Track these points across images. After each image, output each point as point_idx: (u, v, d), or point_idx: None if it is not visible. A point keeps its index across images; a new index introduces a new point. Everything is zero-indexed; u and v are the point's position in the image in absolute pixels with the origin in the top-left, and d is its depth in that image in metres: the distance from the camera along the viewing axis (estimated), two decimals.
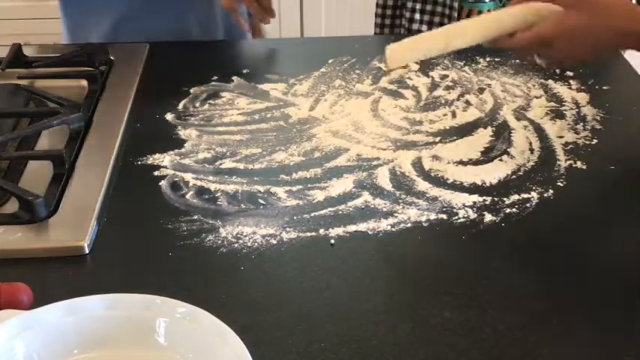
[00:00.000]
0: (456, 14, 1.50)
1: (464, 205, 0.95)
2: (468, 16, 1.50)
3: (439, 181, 1.00)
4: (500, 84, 1.24)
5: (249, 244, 0.89)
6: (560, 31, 0.96)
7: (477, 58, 1.30)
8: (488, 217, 0.93)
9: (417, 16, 1.53)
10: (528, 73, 1.26)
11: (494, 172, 1.02)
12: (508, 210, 0.94)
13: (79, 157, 1.03)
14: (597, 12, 0.97)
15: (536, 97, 1.20)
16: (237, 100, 1.21)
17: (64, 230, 0.90)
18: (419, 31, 1.54)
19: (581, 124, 1.13)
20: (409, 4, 1.53)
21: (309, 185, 1.00)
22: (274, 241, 0.89)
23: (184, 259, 0.87)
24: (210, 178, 1.01)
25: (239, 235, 0.90)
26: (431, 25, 1.53)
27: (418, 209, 0.95)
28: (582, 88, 1.21)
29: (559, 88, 1.22)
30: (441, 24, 1.52)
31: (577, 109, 1.17)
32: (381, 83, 1.26)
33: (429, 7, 1.52)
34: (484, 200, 0.96)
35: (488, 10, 1.50)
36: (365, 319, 0.79)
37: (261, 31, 1.45)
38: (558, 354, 0.75)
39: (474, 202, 0.96)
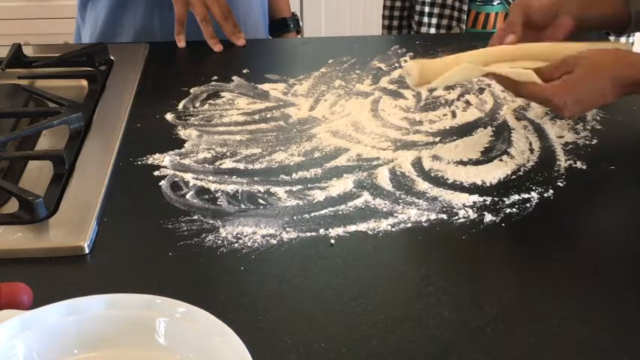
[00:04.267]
0: (465, 17, 1.50)
1: (464, 205, 0.95)
2: (476, 18, 1.50)
3: (439, 181, 1.00)
4: None
5: (249, 244, 0.89)
6: (565, 92, 0.99)
7: None
8: (488, 217, 0.93)
9: (426, 19, 1.54)
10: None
11: (494, 172, 1.02)
12: (508, 210, 0.94)
13: (79, 157, 1.03)
14: (599, 66, 1.00)
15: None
16: (237, 100, 1.22)
17: (64, 230, 0.90)
18: (427, 34, 1.54)
19: (581, 124, 1.13)
20: (417, 7, 1.53)
21: (309, 185, 1.00)
22: (274, 241, 0.89)
23: (184, 259, 0.87)
24: (210, 178, 1.01)
25: (239, 235, 0.90)
26: (439, 28, 1.53)
27: (418, 209, 0.95)
28: None
29: None
30: (449, 27, 1.53)
31: None
32: (381, 83, 1.26)
33: (437, 10, 1.52)
34: (484, 200, 0.96)
35: (496, 13, 1.51)
36: (365, 319, 0.79)
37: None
38: (558, 354, 0.75)
39: (474, 202, 0.96)
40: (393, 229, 0.91)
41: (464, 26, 1.52)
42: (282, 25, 1.61)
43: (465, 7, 1.50)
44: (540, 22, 1.12)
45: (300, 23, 1.67)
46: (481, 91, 1.23)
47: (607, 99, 1.01)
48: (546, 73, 1.01)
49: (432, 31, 1.54)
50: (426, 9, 1.51)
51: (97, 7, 1.45)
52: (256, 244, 0.89)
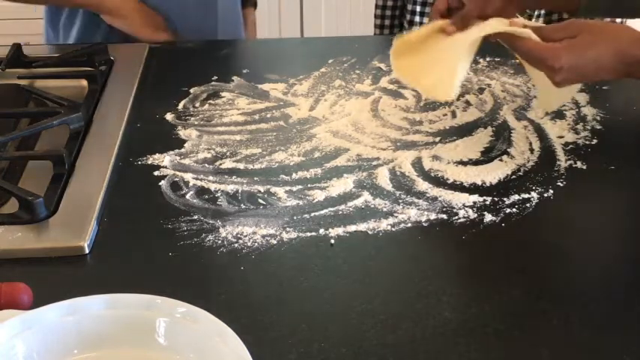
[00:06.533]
0: None
1: (464, 205, 0.95)
2: None
3: (439, 181, 1.00)
4: (500, 84, 1.24)
5: (249, 244, 0.89)
6: (564, 55, 0.95)
7: (477, 58, 1.30)
8: (488, 217, 0.93)
9: (417, 18, 1.54)
10: (528, 73, 1.26)
11: (494, 172, 1.02)
12: (508, 210, 0.94)
13: (79, 157, 1.03)
14: (604, 36, 0.96)
15: (536, 97, 1.20)
16: (237, 100, 1.22)
17: (64, 230, 0.90)
18: None
19: (581, 124, 1.13)
20: (409, 7, 1.53)
21: (309, 185, 1.00)
22: (274, 241, 0.89)
23: (184, 259, 0.87)
24: (210, 178, 1.01)
25: (239, 235, 0.90)
26: None
27: (418, 209, 0.95)
28: (582, 88, 1.21)
29: None
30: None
31: (577, 109, 1.17)
32: (381, 83, 1.26)
33: (428, 10, 1.52)
34: (484, 200, 0.96)
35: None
36: (365, 319, 0.79)
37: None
38: (558, 354, 0.75)
39: (474, 202, 0.96)
40: (393, 229, 0.91)
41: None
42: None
43: None
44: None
45: None
46: (481, 91, 1.23)
47: (604, 73, 0.96)
48: (547, 34, 0.98)
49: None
50: (418, 8, 1.51)
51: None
52: (256, 244, 0.89)
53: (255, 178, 1.01)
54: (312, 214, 0.94)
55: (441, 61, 1.07)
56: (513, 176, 1.01)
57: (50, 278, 0.85)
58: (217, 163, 1.05)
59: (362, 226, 0.92)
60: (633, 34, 0.99)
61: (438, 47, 1.08)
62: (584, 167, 1.03)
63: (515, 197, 0.97)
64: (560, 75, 0.96)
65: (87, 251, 0.88)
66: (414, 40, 1.11)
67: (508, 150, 1.07)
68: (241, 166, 1.04)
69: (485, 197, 0.96)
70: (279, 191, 0.98)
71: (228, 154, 1.07)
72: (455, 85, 1.03)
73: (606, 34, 0.97)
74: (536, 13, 1.45)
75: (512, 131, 1.12)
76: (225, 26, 1.51)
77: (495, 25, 1.02)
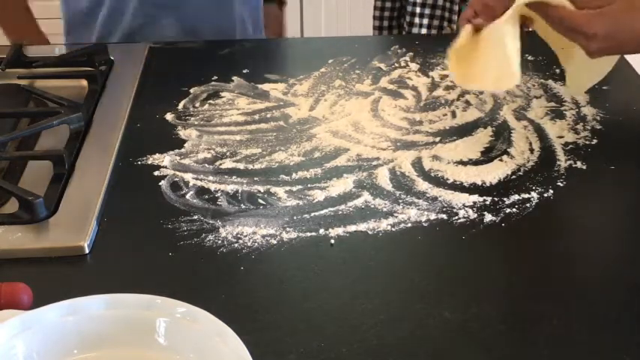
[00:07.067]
0: (456, 17, 1.50)
1: (464, 205, 0.95)
2: None
3: (439, 181, 1.00)
4: None
5: (249, 244, 0.89)
6: (599, 22, 0.91)
7: None
8: (488, 217, 0.93)
9: (417, 19, 1.53)
10: (528, 73, 1.26)
11: (494, 172, 1.02)
12: (508, 210, 0.94)
13: (79, 157, 1.03)
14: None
15: (536, 97, 1.20)
16: (237, 100, 1.21)
17: (64, 230, 0.90)
18: (428, 34, 1.54)
19: (581, 124, 1.13)
20: (409, 8, 1.53)
21: (309, 185, 1.00)
22: (274, 241, 0.89)
23: (184, 259, 0.87)
24: (210, 178, 1.01)
25: (239, 235, 0.90)
26: (430, 29, 1.53)
27: (418, 209, 0.95)
28: None
29: (559, 88, 1.22)
30: (440, 27, 1.52)
31: (577, 109, 1.16)
32: (381, 83, 1.26)
33: (428, 11, 1.51)
34: (484, 200, 0.96)
35: None
36: (365, 319, 0.79)
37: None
38: (558, 354, 0.75)
39: (474, 202, 0.96)
40: (393, 229, 0.91)
41: (455, 26, 1.52)
42: None
43: (456, 7, 1.49)
44: None
45: None
46: (481, 91, 1.22)
47: (636, 45, 0.92)
48: (583, 3, 0.94)
49: (423, 31, 1.53)
50: (417, 9, 1.51)
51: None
52: (256, 244, 0.89)
53: (255, 178, 1.01)
54: (312, 214, 0.94)
55: (491, 51, 1.05)
56: (513, 176, 1.01)
57: (50, 278, 0.85)
58: (217, 163, 1.05)
59: (362, 226, 0.92)
60: None
61: (482, 42, 1.06)
62: (584, 167, 1.03)
63: (515, 197, 0.97)
64: (595, 43, 0.92)
65: (87, 251, 0.88)
66: (462, 47, 1.08)
67: (508, 150, 1.07)
68: (241, 166, 1.04)
69: (485, 197, 0.96)
70: (279, 191, 0.98)
71: (228, 154, 1.07)
72: (514, 67, 0.99)
73: None
74: None
75: (512, 131, 1.12)
76: (244, 24, 1.51)
77: None
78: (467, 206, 0.95)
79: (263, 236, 0.90)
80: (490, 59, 1.05)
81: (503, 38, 1.01)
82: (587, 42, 0.93)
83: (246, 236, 0.90)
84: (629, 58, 1.30)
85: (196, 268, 0.86)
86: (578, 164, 1.03)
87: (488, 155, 1.06)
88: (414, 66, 1.29)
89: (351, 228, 0.91)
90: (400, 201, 0.96)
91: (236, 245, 0.89)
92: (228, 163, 1.05)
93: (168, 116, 1.16)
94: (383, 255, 0.88)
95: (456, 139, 1.10)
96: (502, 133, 1.11)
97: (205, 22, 1.47)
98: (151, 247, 0.90)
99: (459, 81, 1.15)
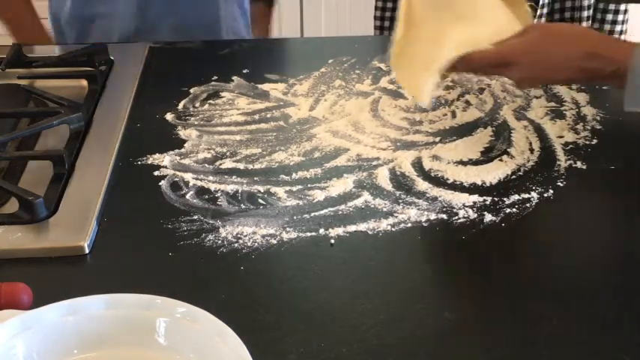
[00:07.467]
0: None
1: (464, 205, 0.95)
2: None
3: (439, 181, 1.00)
4: (500, 84, 1.24)
5: (249, 244, 0.89)
6: (522, 50, 0.94)
7: None
8: (488, 217, 0.93)
9: None
10: (395, 75, 1.26)
11: (494, 172, 1.02)
12: (508, 210, 0.94)
13: (79, 157, 1.03)
14: (562, 35, 0.95)
15: (536, 97, 1.20)
16: (237, 100, 1.22)
17: (64, 230, 0.90)
18: None
19: (581, 124, 1.13)
20: None
21: (309, 185, 1.00)
22: (274, 241, 0.89)
23: (184, 259, 0.87)
24: (210, 178, 1.01)
25: (239, 235, 0.90)
26: None
27: (418, 209, 0.95)
28: (582, 88, 1.21)
29: (559, 88, 1.22)
30: None
31: (577, 109, 1.16)
32: (381, 83, 1.26)
33: None
34: (484, 200, 0.96)
35: None
36: (365, 319, 0.79)
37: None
38: (558, 354, 0.75)
39: (474, 202, 0.96)
40: (393, 229, 0.91)
41: None
42: None
43: None
44: None
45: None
46: (481, 91, 1.23)
47: (568, 73, 0.93)
48: (505, 41, 0.97)
49: None
50: None
51: None
52: (256, 244, 0.89)
53: (255, 178, 1.01)
54: (312, 214, 0.94)
55: (421, 61, 1.07)
56: (513, 176, 1.01)
57: (50, 278, 0.85)
58: (217, 163, 1.05)
59: (362, 226, 0.92)
60: (590, 34, 0.99)
61: (420, 39, 1.08)
62: (584, 167, 1.03)
63: (515, 197, 0.97)
64: (520, 72, 0.94)
65: (87, 251, 0.88)
66: (402, 39, 1.10)
67: (508, 150, 1.07)
68: (241, 166, 1.04)
69: (485, 197, 0.96)
70: (279, 191, 0.98)
71: (228, 154, 1.07)
72: (426, 92, 1.01)
73: (562, 32, 0.96)
74: (541, 2, 1.44)
75: (512, 131, 1.12)
76: (228, 22, 1.51)
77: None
78: (467, 206, 0.95)
79: (263, 236, 0.90)
80: (418, 65, 1.06)
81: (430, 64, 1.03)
82: (513, 72, 0.95)
83: (246, 236, 0.90)
84: None
85: (196, 268, 0.86)
86: (578, 164, 1.03)
87: (488, 155, 1.06)
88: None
89: (351, 228, 0.91)
90: (400, 201, 0.96)
91: (236, 245, 0.89)
92: (228, 163, 1.05)
93: (168, 116, 1.16)
94: (383, 255, 0.88)
95: (455, 139, 1.10)
96: (502, 133, 1.11)
97: (191, 20, 1.47)
98: (151, 247, 0.90)
99: (396, 76, 1.15)
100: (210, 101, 1.21)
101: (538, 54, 0.93)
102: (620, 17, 1.51)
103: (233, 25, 1.53)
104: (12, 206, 0.93)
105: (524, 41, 0.94)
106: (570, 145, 1.08)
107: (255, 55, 1.39)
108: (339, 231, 0.91)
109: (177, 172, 1.02)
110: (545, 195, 0.97)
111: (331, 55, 1.34)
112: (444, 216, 0.93)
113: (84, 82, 1.24)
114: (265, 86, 1.25)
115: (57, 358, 0.69)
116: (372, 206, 0.95)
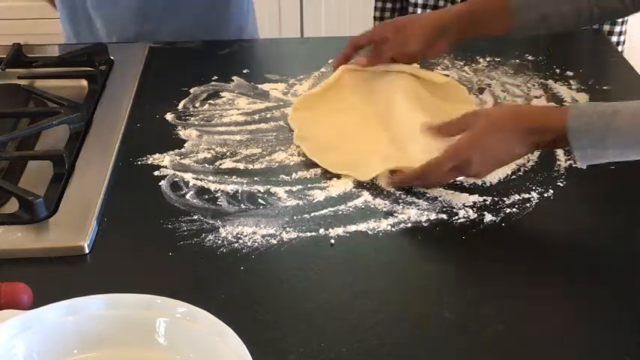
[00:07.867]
0: None
1: (464, 205, 0.95)
2: None
3: None
4: (500, 84, 1.24)
5: (249, 244, 0.89)
6: (469, 146, 0.93)
7: (477, 57, 1.30)
8: (488, 217, 0.93)
9: None
10: (528, 73, 1.26)
11: (494, 172, 1.01)
12: (508, 210, 0.94)
13: (79, 157, 1.03)
14: (501, 119, 0.95)
15: (536, 97, 1.20)
16: (237, 100, 1.21)
17: (64, 230, 0.90)
18: None
19: None
20: (410, 9, 1.53)
21: (309, 185, 1.00)
22: (274, 241, 0.89)
23: (184, 259, 0.87)
24: (210, 178, 1.01)
25: (239, 235, 0.90)
26: None
27: (418, 209, 0.95)
28: (582, 88, 1.21)
29: (559, 88, 1.22)
30: None
31: None
32: None
33: (428, 12, 1.51)
34: (484, 200, 0.96)
35: None
36: (365, 319, 0.79)
37: None
38: (558, 354, 0.75)
39: (474, 202, 0.96)
40: (393, 229, 0.91)
41: None
42: None
43: None
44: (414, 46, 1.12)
45: None
46: (481, 91, 1.22)
47: (516, 151, 0.94)
48: (445, 132, 0.97)
49: None
50: (418, 10, 1.51)
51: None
52: (256, 244, 0.89)
53: (255, 178, 1.01)
54: (312, 214, 0.94)
55: (355, 141, 1.08)
56: (513, 176, 1.01)
57: (50, 278, 0.85)
58: (217, 163, 1.05)
59: (362, 226, 0.92)
60: (522, 109, 1.02)
61: (345, 119, 1.11)
62: (584, 167, 1.03)
63: (515, 197, 0.97)
64: (474, 167, 0.94)
65: (87, 251, 0.88)
66: (317, 97, 1.14)
67: None
68: (241, 166, 1.04)
69: (485, 197, 0.96)
70: (279, 191, 0.98)
71: (228, 154, 1.07)
72: (377, 171, 0.99)
73: (502, 117, 0.96)
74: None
75: None
76: (236, 21, 1.51)
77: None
78: (467, 206, 0.95)
79: (263, 236, 0.90)
80: (351, 145, 1.07)
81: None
82: (467, 169, 0.94)
83: (246, 236, 0.90)
84: (629, 57, 1.30)
85: (196, 268, 0.86)
86: (579, 164, 1.03)
87: None
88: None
89: (351, 228, 0.91)
90: (400, 201, 0.96)
91: (236, 245, 0.89)
92: (228, 163, 1.05)
93: (168, 116, 1.16)
94: (383, 255, 0.88)
95: None
96: None
97: (200, 24, 1.47)
98: (151, 247, 0.90)
99: (292, 122, 1.13)
100: (210, 101, 1.21)
101: (486, 147, 0.94)
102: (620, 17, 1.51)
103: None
104: (12, 206, 0.93)
105: (471, 137, 0.94)
106: None
107: (255, 55, 1.39)
108: (339, 231, 0.91)
109: (177, 172, 1.02)
110: (545, 195, 0.97)
111: (331, 55, 1.34)
112: (444, 216, 0.93)
113: (84, 82, 1.24)
114: (265, 86, 1.25)
115: (57, 358, 0.69)
116: (372, 206, 0.95)
